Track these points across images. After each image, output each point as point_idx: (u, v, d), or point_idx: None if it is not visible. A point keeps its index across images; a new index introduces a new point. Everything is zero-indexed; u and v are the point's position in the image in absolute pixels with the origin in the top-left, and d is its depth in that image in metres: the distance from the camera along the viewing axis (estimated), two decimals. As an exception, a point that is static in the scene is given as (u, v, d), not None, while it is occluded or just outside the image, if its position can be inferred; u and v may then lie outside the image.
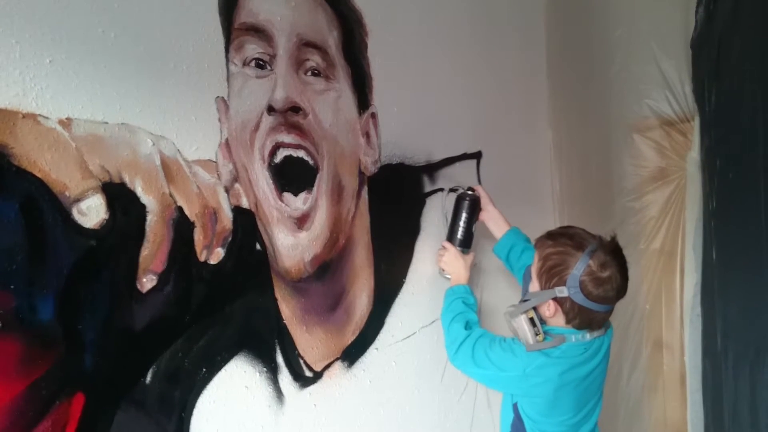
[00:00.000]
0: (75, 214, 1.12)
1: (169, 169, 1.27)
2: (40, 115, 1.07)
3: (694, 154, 2.29)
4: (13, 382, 1.02)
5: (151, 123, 1.24)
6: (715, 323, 2.24)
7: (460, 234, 1.86)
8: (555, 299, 1.54)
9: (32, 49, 1.06)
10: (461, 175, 2.08)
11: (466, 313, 1.70)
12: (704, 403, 2.32)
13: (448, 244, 1.85)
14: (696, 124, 2.28)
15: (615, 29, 2.45)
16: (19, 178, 1.04)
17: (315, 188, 1.57)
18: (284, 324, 1.51)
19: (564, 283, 1.51)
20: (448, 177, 2.03)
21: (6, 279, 1.02)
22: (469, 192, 1.89)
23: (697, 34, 2.23)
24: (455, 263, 1.82)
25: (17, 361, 1.03)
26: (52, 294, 1.08)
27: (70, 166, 1.11)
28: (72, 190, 1.11)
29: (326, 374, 1.61)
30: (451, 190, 2.03)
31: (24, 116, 1.05)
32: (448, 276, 1.84)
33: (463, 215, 1.87)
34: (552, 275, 1.54)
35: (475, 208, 1.88)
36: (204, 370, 1.33)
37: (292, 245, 1.52)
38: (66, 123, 1.11)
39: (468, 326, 1.66)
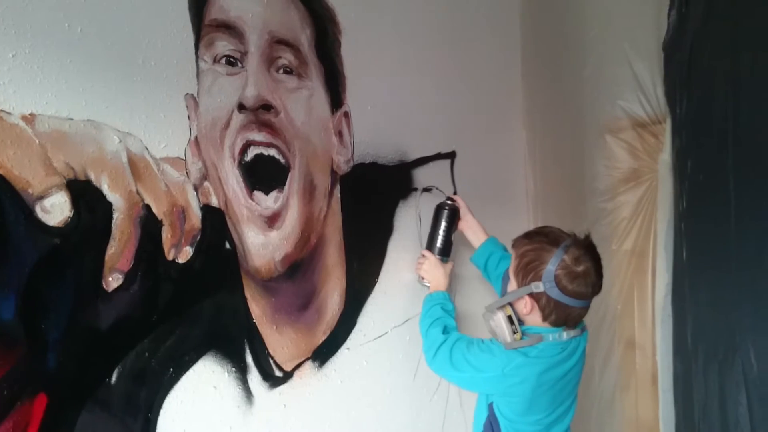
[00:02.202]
0: (38, 211, 1.10)
1: (136, 166, 1.25)
2: (2, 110, 1.06)
3: (666, 156, 2.31)
4: (-28, 382, 1.00)
5: (118, 120, 1.23)
6: (685, 323, 2.26)
7: (439, 243, 1.88)
8: (531, 295, 1.55)
9: (-4, 42, 1.05)
10: (435, 175, 2.08)
11: (444, 319, 1.71)
12: (675, 401, 2.34)
13: (427, 253, 1.87)
14: (667, 126, 2.29)
15: (589, 30, 2.46)
16: (-21, 175, 1.03)
17: (286, 187, 1.57)
18: (254, 323, 1.50)
19: (540, 278, 1.53)
20: (421, 177, 2.02)
21: (-35, 277, 1.00)
22: (448, 202, 1.91)
23: (669, 36, 2.25)
24: (434, 271, 1.83)
25: (-23, 361, 1.01)
26: (13, 292, 1.06)
27: (34, 162, 1.10)
28: (35, 187, 1.10)
29: (296, 374, 1.60)
30: (425, 189, 2.04)
31: (-15, 112, 1.03)
32: (427, 284, 1.86)
33: (443, 224, 1.89)
34: (528, 271, 1.56)
35: (454, 217, 1.91)
36: (171, 370, 1.32)
37: (262, 244, 1.52)
38: (29, 119, 1.09)
39: (446, 331, 1.67)
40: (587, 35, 2.46)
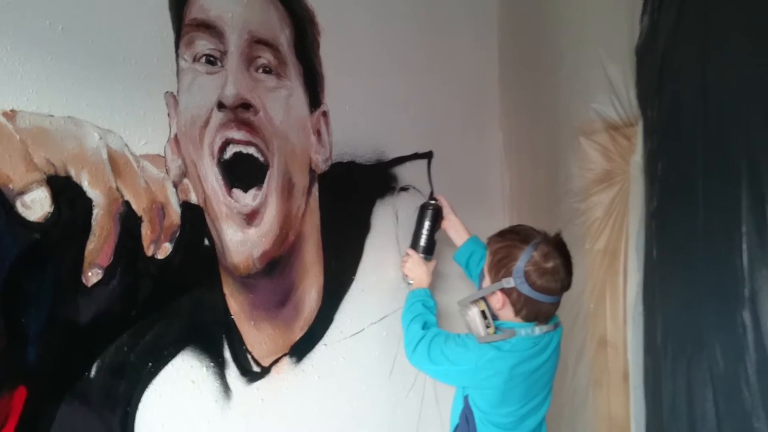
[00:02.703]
0: (19, 206, 1.13)
1: (116, 163, 1.27)
2: (-17, 106, 1.07)
3: (638, 158, 2.36)
4: (-48, 375, 1.02)
5: (99, 117, 1.25)
6: (655, 320, 2.31)
7: (422, 241, 1.95)
8: (503, 290, 1.62)
9: (-23, 39, 1.06)
10: (412, 174, 2.12)
11: (425, 315, 1.78)
12: (645, 397, 2.39)
13: (411, 251, 1.94)
14: (639, 128, 2.35)
15: (564, 34, 2.51)
16: (-40, 170, 1.04)
17: (265, 185, 1.59)
18: (232, 319, 1.53)
19: (510, 274, 1.59)
20: (399, 176, 2.06)
21: (-54, 270, 1.02)
22: (432, 202, 1.98)
23: (642, 41, 2.30)
24: (417, 269, 1.90)
25: (-43, 354, 1.02)
26: (-6, 286, 1.08)
27: (14, 158, 1.12)
28: (16, 182, 1.12)
29: (274, 369, 1.63)
30: (402, 189, 2.07)
31: (-33, 107, 1.05)
32: (411, 281, 1.92)
33: (426, 224, 1.95)
34: (500, 267, 1.62)
35: (437, 217, 1.97)
36: (150, 364, 1.34)
37: (240, 241, 1.54)
38: (10, 115, 1.11)
39: (425, 326, 1.74)
40: (563, 39, 2.51)
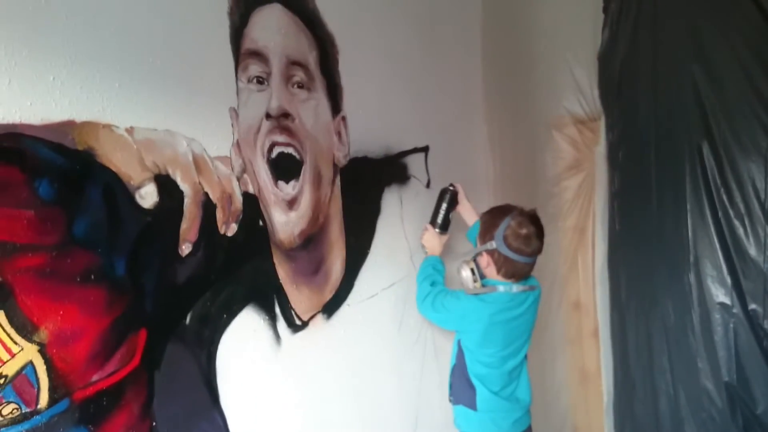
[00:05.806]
0: (137, 197, 1.50)
1: (198, 163, 1.65)
2: (113, 125, 1.45)
3: (601, 148, 2.76)
4: (102, 319, 1.41)
5: (185, 128, 1.61)
6: (620, 283, 2.71)
7: (439, 219, 2.37)
8: (488, 251, 2.05)
9: (108, 76, 1.44)
10: (413, 165, 2.51)
11: (434, 275, 2.21)
12: (613, 349, 2.79)
13: (429, 226, 2.37)
14: (602, 123, 2.74)
15: (538, 43, 2.89)
16: (101, 172, 1.42)
17: (301, 177, 1.97)
18: (280, 283, 1.91)
19: (493, 238, 2.04)
20: (402, 167, 2.45)
21: (95, 244, 1.40)
22: (450, 187, 2.40)
23: (603, 49, 2.69)
24: (432, 240, 2.34)
25: (104, 304, 1.41)
26: (124, 256, 1.46)
27: (133, 162, 1.49)
28: (135, 179, 1.49)
29: (311, 323, 2.01)
30: (405, 177, 2.47)
31: (103, 126, 1.43)
32: (426, 250, 2.35)
33: (444, 205, 2.38)
34: (486, 233, 2.07)
35: (453, 200, 2.39)
36: (225, 316, 1.72)
37: (285, 222, 1.92)
38: (130, 130, 1.48)
39: (433, 284, 2.17)
40: (537, 47, 2.89)
